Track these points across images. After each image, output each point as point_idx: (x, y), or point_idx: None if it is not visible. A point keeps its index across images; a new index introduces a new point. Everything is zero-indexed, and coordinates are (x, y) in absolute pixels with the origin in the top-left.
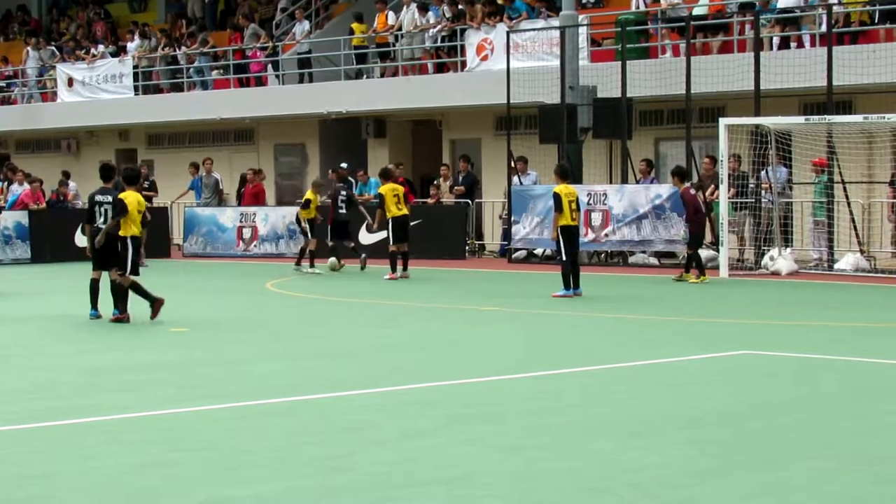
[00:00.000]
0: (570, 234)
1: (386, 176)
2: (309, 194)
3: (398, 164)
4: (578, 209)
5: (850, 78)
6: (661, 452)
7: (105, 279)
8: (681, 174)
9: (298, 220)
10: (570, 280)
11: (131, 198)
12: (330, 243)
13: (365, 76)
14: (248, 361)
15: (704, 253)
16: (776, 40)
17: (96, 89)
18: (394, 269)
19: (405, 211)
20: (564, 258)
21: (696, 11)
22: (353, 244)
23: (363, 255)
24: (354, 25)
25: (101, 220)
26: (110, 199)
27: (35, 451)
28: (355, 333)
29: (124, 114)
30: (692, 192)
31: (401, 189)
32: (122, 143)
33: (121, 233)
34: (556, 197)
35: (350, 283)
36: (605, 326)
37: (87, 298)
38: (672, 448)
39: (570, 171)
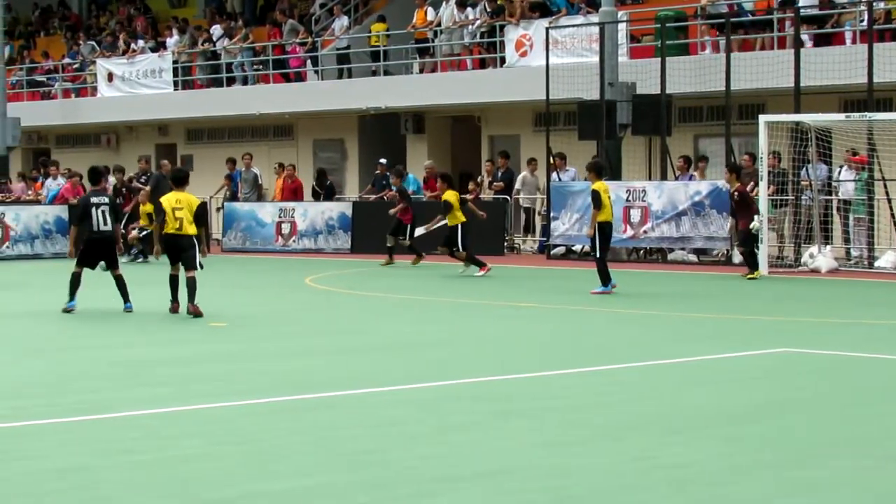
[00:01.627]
0: (607, 231)
1: (450, 182)
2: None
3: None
4: (611, 205)
5: (890, 75)
6: (699, 449)
7: (102, 278)
8: (736, 170)
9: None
10: (608, 276)
11: (168, 200)
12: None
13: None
14: (287, 356)
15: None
16: (815, 37)
17: (136, 84)
18: (482, 265)
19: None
20: (599, 255)
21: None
22: (409, 242)
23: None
24: (374, 26)
25: (102, 221)
26: (106, 200)
27: (73, 444)
28: (393, 329)
29: (163, 109)
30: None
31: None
32: (162, 137)
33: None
34: (596, 194)
35: (388, 279)
36: (643, 323)
37: (125, 293)
38: (710, 445)
39: (605, 168)
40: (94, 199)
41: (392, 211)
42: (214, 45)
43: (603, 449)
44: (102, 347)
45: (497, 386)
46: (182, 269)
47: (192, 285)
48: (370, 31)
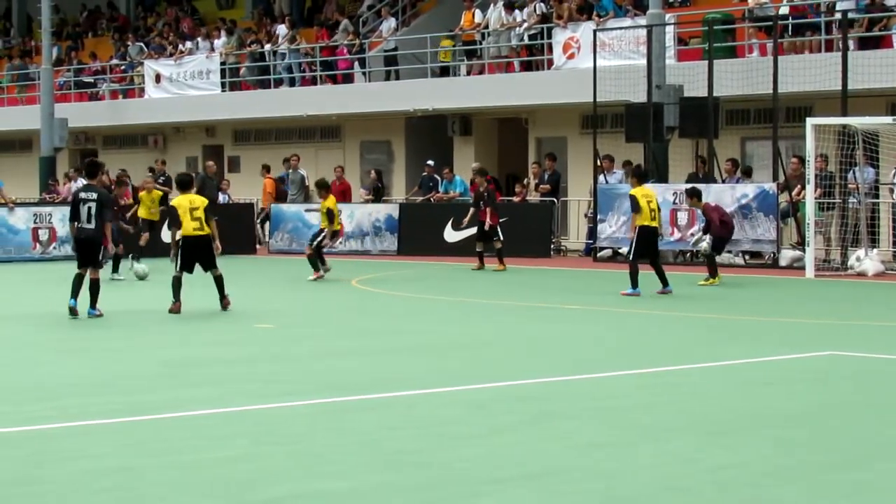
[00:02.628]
0: (646, 235)
1: (328, 189)
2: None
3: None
4: (659, 210)
5: None
6: (744, 452)
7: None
8: (696, 194)
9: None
10: (637, 278)
11: (181, 202)
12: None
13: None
14: (333, 357)
15: (790, 254)
16: (862, 40)
17: (183, 85)
18: (317, 269)
19: None
20: (632, 257)
21: (783, 10)
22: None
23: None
24: (444, 42)
25: (86, 218)
26: (95, 195)
27: (119, 444)
28: (440, 330)
29: (211, 110)
30: (712, 204)
31: None
32: (209, 139)
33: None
34: (633, 198)
35: (435, 281)
36: (689, 325)
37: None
38: (755, 447)
39: (647, 173)
40: (82, 195)
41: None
42: (280, 44)
43: (648, 450)
44: (148, 347)
45: (541, 387)
46: (199, 270)
47: (220, 282)
48: (439, 47)
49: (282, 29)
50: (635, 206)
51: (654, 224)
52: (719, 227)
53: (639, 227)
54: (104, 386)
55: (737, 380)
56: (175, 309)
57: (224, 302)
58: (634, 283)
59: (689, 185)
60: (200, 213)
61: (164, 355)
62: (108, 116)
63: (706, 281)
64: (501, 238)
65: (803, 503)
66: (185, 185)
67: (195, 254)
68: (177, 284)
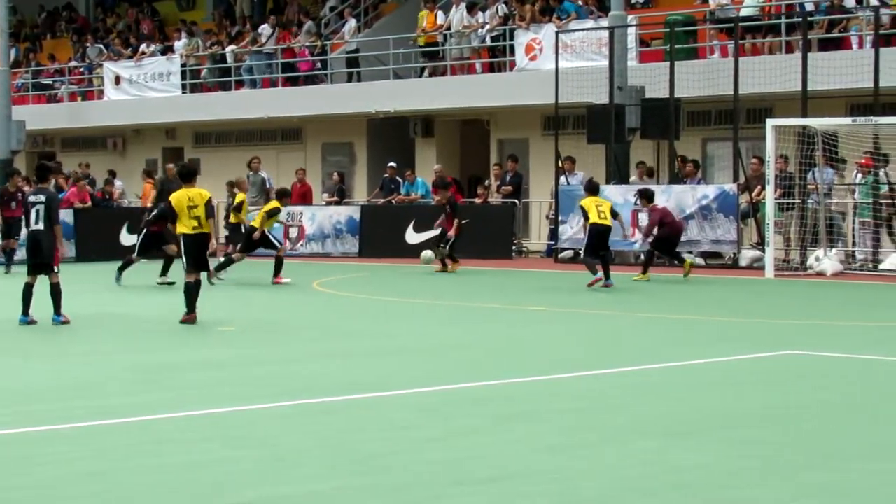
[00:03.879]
0: (598, 232)
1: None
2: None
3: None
4: (614, 214)
5: None
6: (706, 452)
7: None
8: (647, 196)
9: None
10: (594, 267)
11: (179, 198)
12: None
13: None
14: (297, 360)
15: (750, 254)
16: (822, 41)
17: (143, 87)
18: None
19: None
20: (584, 254)
21: (744, 12)
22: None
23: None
24: (421, 14)
25: (34, 220)
26: (43, 198)
27: (91, 448)
28: (403, 333)
29: (171, 112)
30: (659, 206)
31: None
32: (169, 141)
33: (177, 231)
34: (582, 208)
35: (397, 284)
36: (650, 326)
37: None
38: (717, 448)
39: (597, 187)
40: (31, 198)
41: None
42: (264, 44)
43: (611, 452)
44: (115, 353)
45: (503, 389)
46: (192, 271)
47: (198, 287)
48: (417, 24)
49: (266, 29)
50: (585, 215)
51: (606, 222)
52: (658, 228)
53: (590, 225)
54: (74, 391)
55: (697, 380)
56: (188, 319)
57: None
58: (594, 271)
59: (642, 187)
60: (199, 212)
61: (130, 360)
62: (67, 118)
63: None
64: (447, 250)
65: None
66: (186, 177)
67: (200, 253)
68: (190, 291)
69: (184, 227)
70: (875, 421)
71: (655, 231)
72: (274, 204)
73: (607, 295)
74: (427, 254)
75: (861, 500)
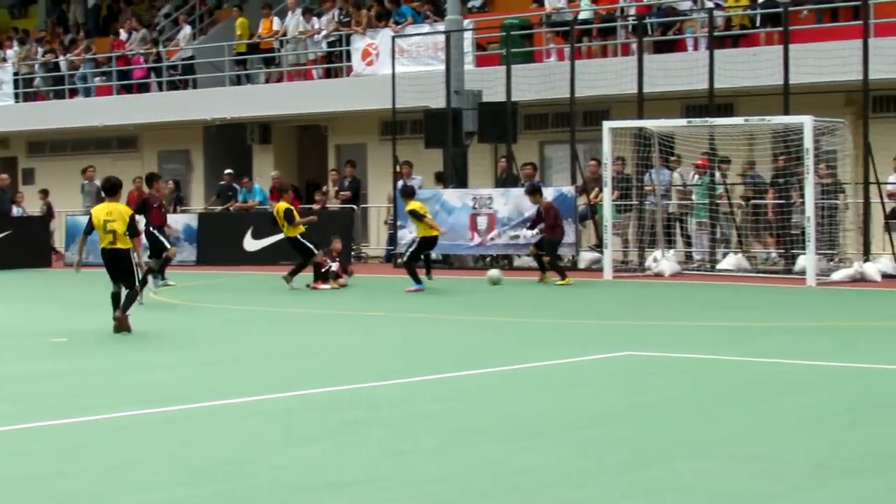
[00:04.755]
0: (427, 244)
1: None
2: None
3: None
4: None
5: (730, 80)
6: (548, 454)
7: None
8: (538, 191)
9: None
10: (417, 275)
11: (98, 212)
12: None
13: (249, 81)
14: (135, 370)
15: (589, 255)
16: (657, 44)
17: None
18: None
19: None
20: (407, 259)
21: (583, 15)
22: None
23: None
24: (239, 22)
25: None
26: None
27: None
28: (244, 340)
29: (4, 121)
30: (554, 204)
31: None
32: (2, 150)
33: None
34: (413, 212)
35: (236, 291)
36: (489, 329)
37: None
38: (559, 449)
39: (413, 190)
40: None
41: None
42: (57, 56)
43: (455, 456)
44: None
45: (348, 395)
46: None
47: (127, 300)
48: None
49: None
50: (419, 216)
51: (435, 233)
52: (552, 228)
53: (421, 237)
54: None
55: (541, 382)
56: (119, 319)
57: (119, 321)
58: (417, 280)
59: (528, 183)
60: (116, 226)
61: None
62: None
63: (562, 281)
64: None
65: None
66: (108, 191)
67: (112, 268)
68: (112, 299)
69: (101, 241)
70: (710, 419)
71: (541, 228)
72: (284, 206)
73: (446, 299)
74: (494, 273)
75: (687, 497)
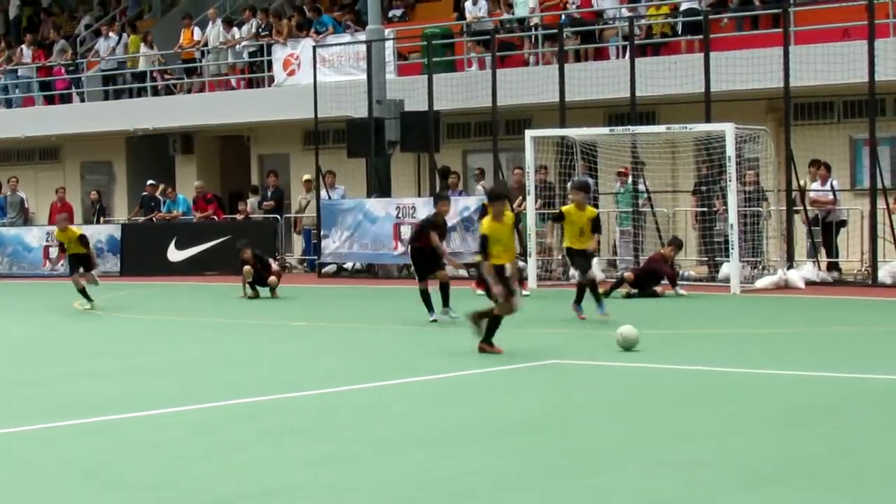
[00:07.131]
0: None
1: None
2: None
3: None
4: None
5: (652, 89)
6: (476, 461)
7: None
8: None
9: None
10: None
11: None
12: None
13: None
14: (55, 381)
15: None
16: (579, 52)
17: None
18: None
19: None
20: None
21: (519, 12)
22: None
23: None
24: (132, 38)
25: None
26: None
27: None
28: (165, 351)
29: None
30: None
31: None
32: None
33: None
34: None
35: (159, 302)
36: (415, 337)
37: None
38: (486, 457)
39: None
40: None
41: None
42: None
43: (379, 464)
44: None
45: (271, 405)
46: None
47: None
48: (130, 49)
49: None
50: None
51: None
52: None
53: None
54: None
55: (467, 390)
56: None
57: None
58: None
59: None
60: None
61: None
62: None
63: None
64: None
65: None
66: None
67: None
68: None
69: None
70: (636, 425)
71: None
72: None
73: (369, 308)
74: (630, 333)
75: (615, 502)
